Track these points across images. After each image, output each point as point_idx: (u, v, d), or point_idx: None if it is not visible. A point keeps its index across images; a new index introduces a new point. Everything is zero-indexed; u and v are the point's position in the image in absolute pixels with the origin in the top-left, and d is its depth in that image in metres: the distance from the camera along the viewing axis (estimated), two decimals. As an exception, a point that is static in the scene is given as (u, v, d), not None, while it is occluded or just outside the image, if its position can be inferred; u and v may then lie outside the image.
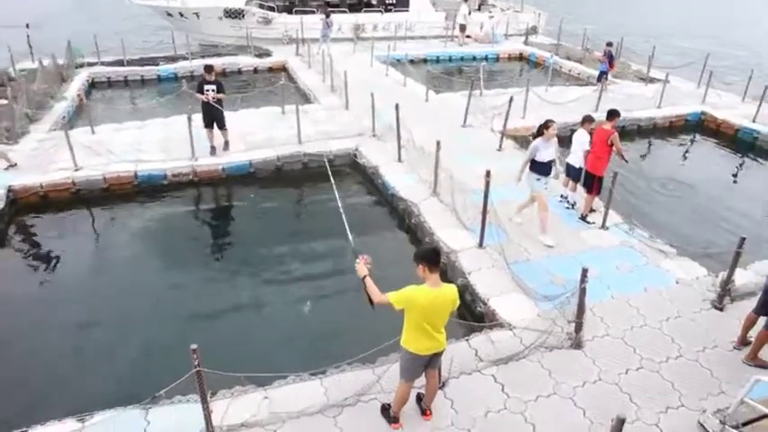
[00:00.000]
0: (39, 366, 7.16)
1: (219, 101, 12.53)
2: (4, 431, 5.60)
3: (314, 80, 19.43)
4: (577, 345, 6.67)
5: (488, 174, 8.29)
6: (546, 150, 8.61)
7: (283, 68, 22.23)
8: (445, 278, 8.27)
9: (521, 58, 26.02)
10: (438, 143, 10.04)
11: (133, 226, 10.79)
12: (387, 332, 5.96)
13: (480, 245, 8.69)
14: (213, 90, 12.36)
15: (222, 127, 12.82)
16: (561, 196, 10.24)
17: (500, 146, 12.92)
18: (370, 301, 4.93)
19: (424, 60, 23.68)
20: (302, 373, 6.19)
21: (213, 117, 12.59)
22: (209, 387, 5.45)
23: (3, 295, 8.78)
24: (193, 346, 4.94)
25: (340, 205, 6.11)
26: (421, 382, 5.61)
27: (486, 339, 6.79)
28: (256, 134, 13.92)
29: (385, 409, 5.67)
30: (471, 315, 7.61)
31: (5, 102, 14.96)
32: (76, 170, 11.91)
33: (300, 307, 8.13)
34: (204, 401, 5.26)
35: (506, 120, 12.93)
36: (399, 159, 12.10)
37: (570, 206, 10.06)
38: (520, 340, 6.74)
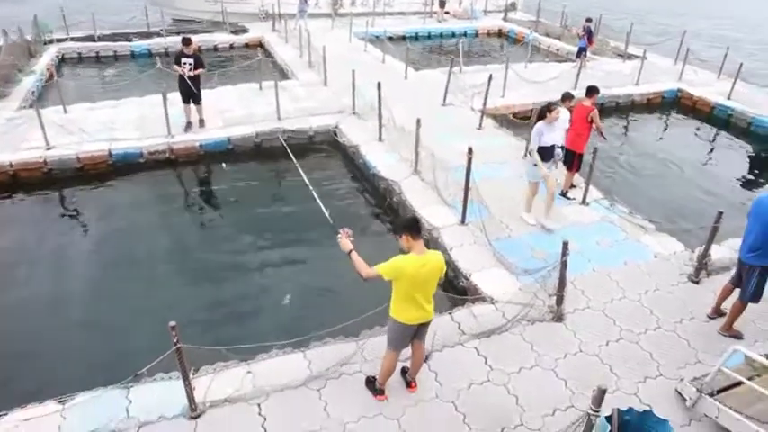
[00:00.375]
0: (15, 349, 7.02)
1: (197, 76, 12.26)
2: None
3: (291, 56, 19.16)
4: (559, 317, 6.75)
5: (470, 150, 8.27)
6: (549, 134, 8.24)
7: (260, 45, 21.87)
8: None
9: (500, 34, 25.96)
10: (418, 121, 9.99)
11: (108, 206, 10.56)
12: (368, 304, 6.02)
13: (462, 221, 8.71)
14: (190, 64, 12.08)
15: (197, 102, 12.56)
16: None
17: (480, 125, 12.90)
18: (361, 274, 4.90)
19: (403, 37, 23.45)
20: (285, 346, 6.15)
21: (189, 92, 12.33)
22: (191, 363, 5.42)
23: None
24: (172, 323, 4.87)
25: (307, 182, 6.01)
26: (405, 354, 5.63)
27: (468, 313, 6.83)
28: (234, 111, 13.70)
29: (370, 382, 5.69)
30: (454, 290, 7.64)
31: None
32: (48, 149, 11.60)
33: (282, 293, 8.03)
34: (186, 378, 5.20)
35: (486, 98, 12.90)
36: (380, 138, 12.01)
37: None
38: (502, 314, 6.80)
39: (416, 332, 5.23)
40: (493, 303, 7.01)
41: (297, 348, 6.20)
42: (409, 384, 5.73)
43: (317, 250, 8.72)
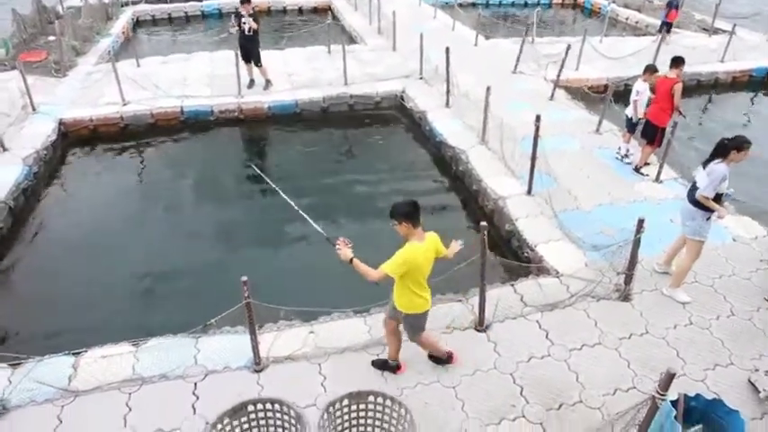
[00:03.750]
0: (93, 294, 7.40)
1: (254, 38, 12.30)
2: (64, 351, 5.82)
3: (360, 23, 19.01)
4: (625, 297, 6.51)
5: (538, 119, 7.99)
6: (727, 180, 6.27)
7: (328, 9, 21.76)
8: (492, 224, 8.23)
9: (575, 5, 24.88)
10: (488, 89, 9.73)
11: (180, 161, 10.94)
12: (435, 269, 5.94)
13: (529, 192, 8.50)
14: (249, 23, 12.12)
15: (257, 64, 12.68)
16: (617, 151, 9.84)
17: (552, 95, 12.46)
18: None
19: (474, 4, 22.82)
20: (347, 310, 6.21)
21: (247, 52, 12.47)
22: (257, 320, 5.55)
23: (56, 226, 9.07)
24: (244, 278, 4.98)
25: (292, 204, 5.68)
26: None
27: (531, 285, 6.69)
28: (302, 74, 13.77)
29: (383, 364, 5.54)
30: (517, 260, 7.48)
31: (54, 38, 15.19)
32: (124, 105, 12.04)
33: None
34: (253, 333, 5.34)
35: (561, 68, 12.41)
36: (447, 105, 11.81)
37: (621, 157, 9.68)
38: (566, 288, 6.63)
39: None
40: (557, 277, 6.83)
41: (358, 314, 6.26)
42: (450, 357, 5.59)
43: (384, 222, 8.69)
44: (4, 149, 10.14)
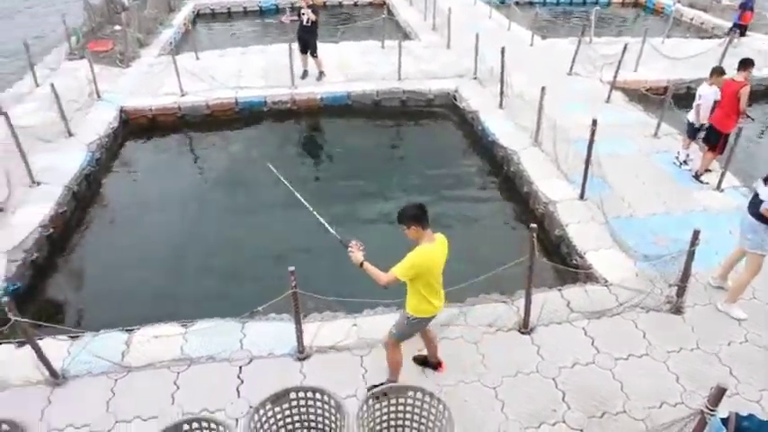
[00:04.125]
0: (147, 275, 7.69)
1: (313, 29, 12.54)
2: (118, 327, 6.10)
3: (415, 18, 18.99)
4: (677, 310, 6.31)
5: (595, 122, 7.82)
6: None
7: (383, 4, 21.84)
8: (542, 228, 8.13)
9: (636, 4, 24.14)
10: (543, 89, 9.57)
11: (234, 151, 11.23)
12: (475, 269, 5.98)
13: (581, 197, 8.33)
14: (307, 15, 12.48)
15: (314, 55, 12.92)
16: (676, 157, 9.53)
17: (608, 97, 12.16)
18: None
19: (530, 3, 22.45)
20: (391, 304, 6.24)
21: (305, 43, 12.76)
22: (302, 309, 5.65)
23: (114, 210, 9.46)
24: (291, 268, 5.08)
25: (307, 205, 5.80)
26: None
27: (579, 291, 6.57)
28: (355, 67, 13.90)
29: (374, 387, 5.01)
30: (565, 266, 7.35)
31: (119, 28, 15.80)
32: (182, 95, 12.42)
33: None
34: (298, 322, 5.45)
35: (617, 70, 12.09)
36: (501, 105, 11.68)
37: (680, 163, 9.35)
38: (615, 297, 6.48)
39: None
40: (606, 285, 6.68)
41: (402, 308, 6.26)
42: (437, 366, 5.49)
43: (443, 213, 8.77)
44: (70, 135, 10.63)
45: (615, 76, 12.13)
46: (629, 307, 6.31)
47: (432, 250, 4.51)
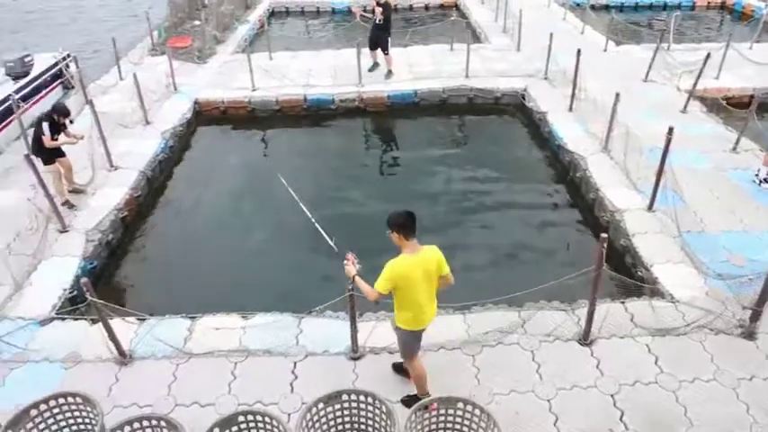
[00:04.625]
0: (210, 263, 7.97)
1: (385, 27, 12.66)
2: (182, 313, 6.38)
3: (486, 19, 18.77)
4: (749, 335, 5.94)
5: (670, 131, 7.48)
6: None
7: (455, 6, 21.69)
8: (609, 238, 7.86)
9: (722, 7, 22.88)
10: (617, 95, 9.24)
11: (301, 146, 11.51)
12: (536, 275, 5.88)
13: (650, 207, 8.00)
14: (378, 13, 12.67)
15: (385, 52, 13.02)
16: (756, 174, 8.97)
17: (685, 107, 11.60)
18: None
19: (607, 6, 21.71)
20: (447, 307, 6.18)
21: (377, 40, 12.92)
22: (358, 308, 5.70)
23: (182, 197, 9.84)
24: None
25: (309, 214, 5.84)
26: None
27: (644, 306, 6.31)
28: (423, 66, 13.91)
29: (413, 400, 5.00)
30: (630, 278, 7.08)
31: (198, 23, 16.44)
32: (253, 90, 12.80)
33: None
34: (353, 323, 5.51)
35: (698, 78, 11.51)
36: (571, 108, 11.38)
37: (760, 181, 8.80)
38: (682, 315, 6.18)
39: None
40: (673, 302, 6.38)
41: (458, 311, 6.24)
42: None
43: (505, 216, 8.78)
44: (147, 123, 11.25)
45: (695, 85, 11.55)
46: (697, 327, 6.01)
47: (410, 262, 4.36)
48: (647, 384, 5.39)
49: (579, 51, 10.97)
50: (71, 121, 8.61)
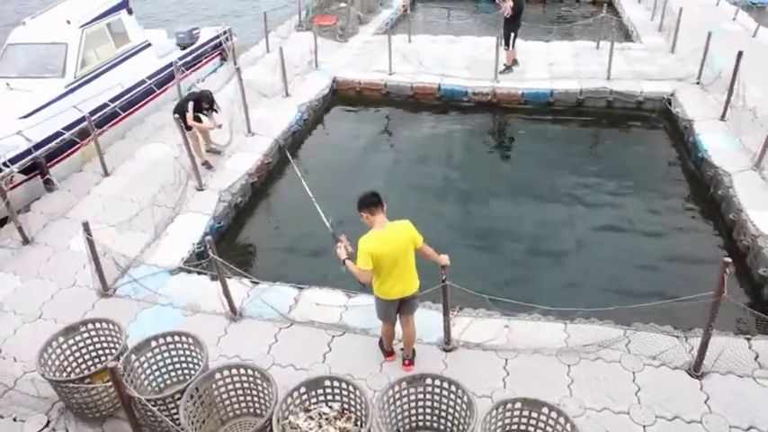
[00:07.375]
0: (324, 238, 8.27)
1: (512, 20, 12.37)
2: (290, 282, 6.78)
3: (641, 17, 17.45)
4: None
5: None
6: None
7: (608, 2, 20.36)
8: (743, 263, 7.22)
9: None
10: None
11: (430, 134, 11.60)
12: (652, 293, 5.63)
13: (800, 238, 7.10)
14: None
15: (505, 45, 12.66)
16: None
17: None
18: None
19: (789, 7, 19.27)
20: (548, 312, 6.01)
21: (506, 33, 12.63)
22: (457, 302, 5.73)
23: (310, 168, 10.30)
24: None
25: (308, 189, 6.26)
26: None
27: (774, 345, 5.66)
28: (563, 65, 13.27)
29: (380, 343, 5.66)
30: (764, 313, 6.38)
31: (344, 4, 17.03)
32: (390, 74, 13.06)
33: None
34: (446, 313, 5.51)
35: None
36: (723, 117, 10.28)
37: None
38: (821, 361, 5.46)
39: (400, 307, 5.09)
40: (812, 347, 5.66)
41: (560, 318, 6.02)
42: (404, 362, 5.49)
43: (627, 232, 8.35)
44: (287, 95, 12.02)
45: None
46: (838, 379, 5.29)
47: (378, 236, 4.70)
48: (765, 433, 4.85)
49: (740, 54, 9.88)
50: (215, 110, 9.31)
